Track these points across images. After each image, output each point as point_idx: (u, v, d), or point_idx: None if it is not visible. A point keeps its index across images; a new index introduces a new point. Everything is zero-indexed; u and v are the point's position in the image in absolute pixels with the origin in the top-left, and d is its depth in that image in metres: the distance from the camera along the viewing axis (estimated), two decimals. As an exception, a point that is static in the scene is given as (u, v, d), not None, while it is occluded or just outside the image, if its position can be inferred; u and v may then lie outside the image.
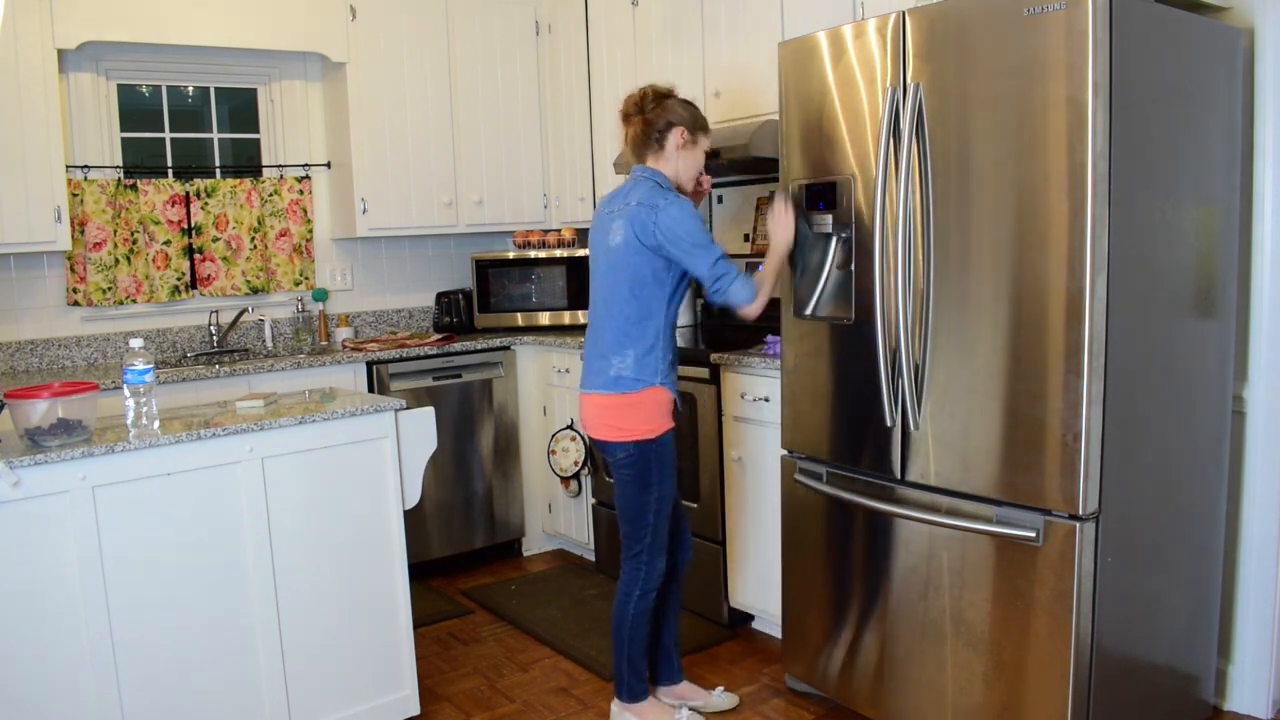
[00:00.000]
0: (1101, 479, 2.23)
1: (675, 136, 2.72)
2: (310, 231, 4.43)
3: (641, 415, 2.71)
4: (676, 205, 2.64)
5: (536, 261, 4.56)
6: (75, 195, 3.85)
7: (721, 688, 3.00)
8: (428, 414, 2.89)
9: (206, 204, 4.19)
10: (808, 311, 2.86)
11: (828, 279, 2.88)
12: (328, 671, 2.73)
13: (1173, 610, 2.56)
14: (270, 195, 4.32)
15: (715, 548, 3.51)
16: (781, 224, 2.80)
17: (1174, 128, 2.37)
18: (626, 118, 2.77)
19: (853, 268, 2.67)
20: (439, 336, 4.35)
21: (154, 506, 2.43)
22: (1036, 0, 2.17)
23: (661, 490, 2.74)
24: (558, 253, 4.55)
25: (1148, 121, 2.27)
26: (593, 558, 4.23)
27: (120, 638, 2.39)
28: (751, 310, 2.68)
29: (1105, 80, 2.12)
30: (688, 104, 2.77)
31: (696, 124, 2.76)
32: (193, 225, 4.17)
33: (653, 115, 2.73)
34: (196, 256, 4.19)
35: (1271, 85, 2.63)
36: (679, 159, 2.76)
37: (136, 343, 2.51)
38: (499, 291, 4.60)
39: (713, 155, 3.55)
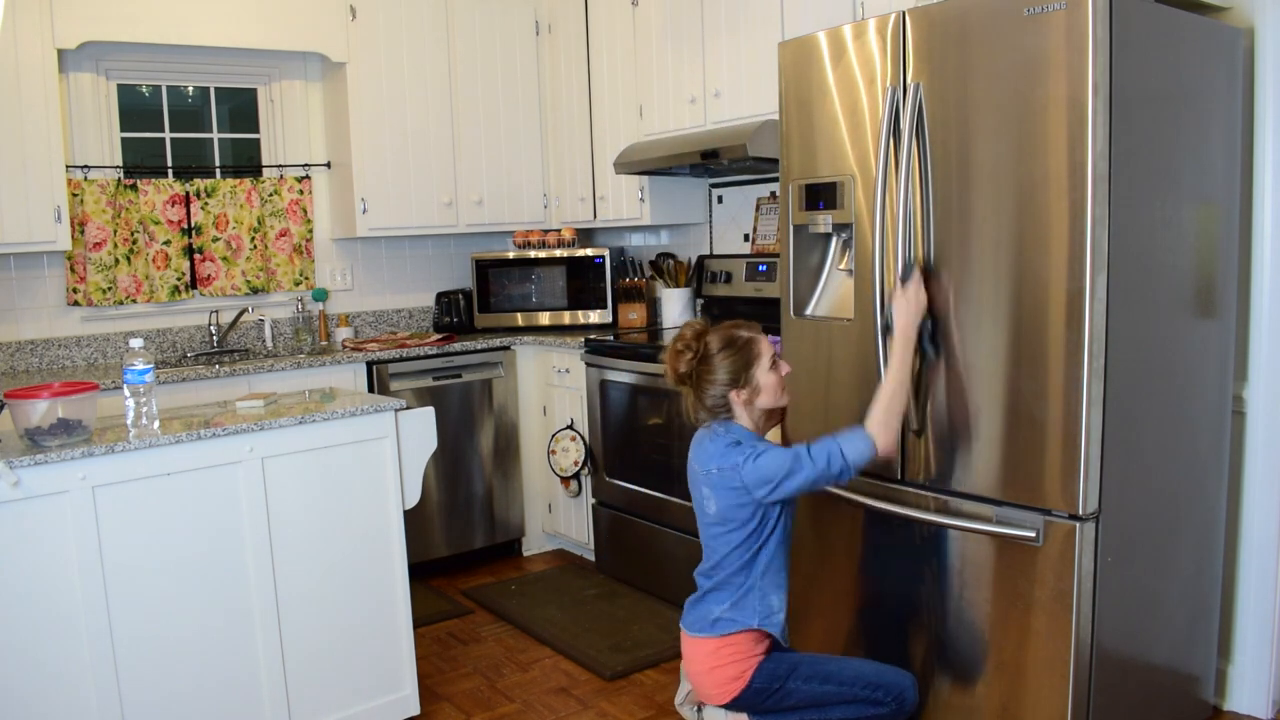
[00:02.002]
0: (1101, 479, 2.23)
1: (735, 400, 2.42)
2: (310, 231, 4.43)
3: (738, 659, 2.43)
4: (753, 459, 2.35)
5: (536, 261, 4.56)
6: (75, 195, 3.85)
7: None
8: (428, 414, 2.89)
9: (206, 204, 4.19)
10: (808, 311, 2.86)
11: (828, 279, 2.89)
12: (328, 671, 2.73)
13: (1173, 610, 2.56)
14: (270, 195, 4.32)
15: (715, 548, 3.51)
16: (913, 304, 2.44)
17: (1174, 127, 2.37)
18: (676, 384, 2.50)
19: (853, 268, 2.67)
20: (439, 336, 4.35)
21: (154, 506, 2.43)
22: (1036, 0, 2.17)
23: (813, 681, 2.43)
24: (558, 253, 4.55)
25: (1148, 121, 2.27)
26: (593, 558, 4.23)
27: (120, 637, 2.39)
28: (883, 455, 2.37)
29: (1105, 80, 2.12)
30: (726, 351, 2.40)
31: (743, 369, 2.41)
32: (193, 225, 4.17)
33: (700, 391, 2.44)
34: (196, 256, 4.19)
35: (1271, 85, 2.63)
36: (753, 409, 2.46)
37: (136, 343, 2.51)
38: (499, 291, 4.60)
39: (712, 155, 3.56)
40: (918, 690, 2.43)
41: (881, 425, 2.35)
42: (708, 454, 2.45)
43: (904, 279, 2.48)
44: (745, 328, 2.48)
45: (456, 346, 4.19)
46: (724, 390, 2.42)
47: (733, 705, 2.44)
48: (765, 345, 2.46)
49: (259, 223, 4.30)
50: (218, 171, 4.31)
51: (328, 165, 4.45)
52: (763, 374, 2.44)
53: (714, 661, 2.42)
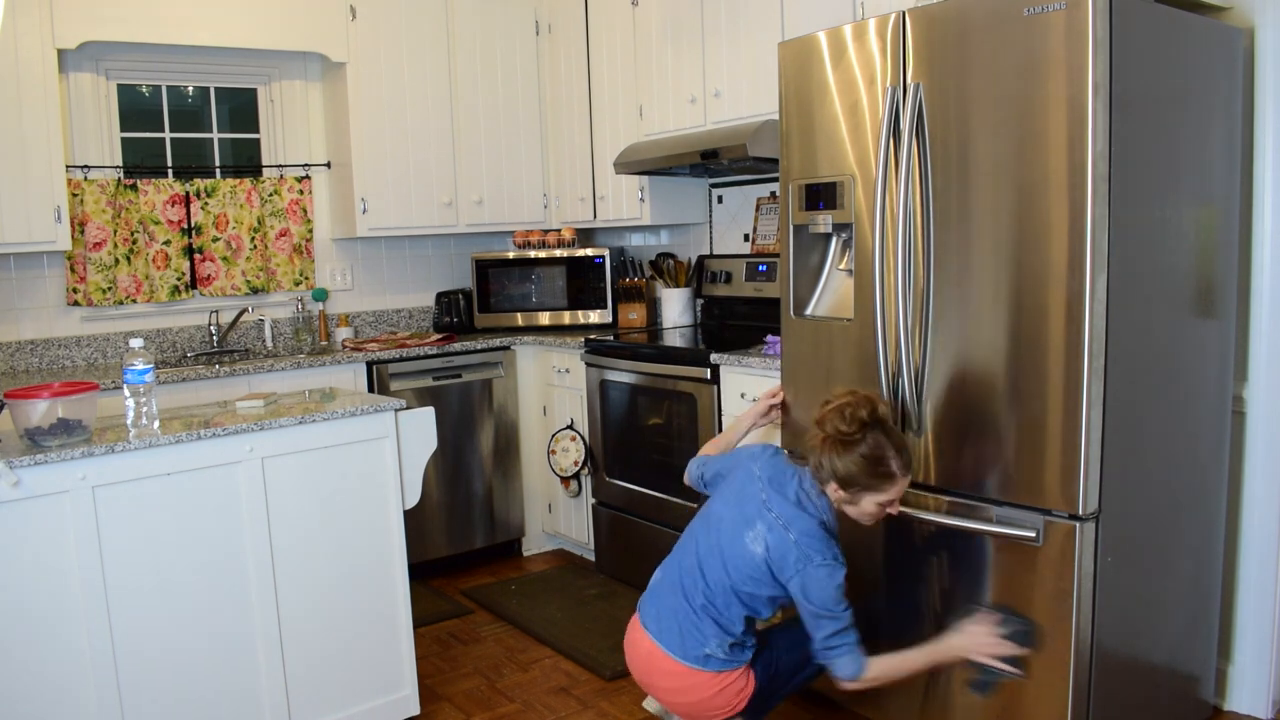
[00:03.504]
0: (1101, 479, 2.23)
1: (830, 490, 2.33)
2: (310, 231, 4.43)
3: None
4: (827, 570, 2.28)
5: (536, 261, 4.56)
6: (75, 195, 3.85)
7: None
8: (428, 414, 2.89)
9: (206, 204, 4.19)
10: (808, 311, 2.86)
11: (827, 279, 2.89)
12: (328, 671, 2.73)
13: (1173, 610, 2.56)
14: (270, 195, 4.32)
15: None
16: (982, 642, 2.34)
17: (1174, 128, 2.37)
18: (814, 424, 2.36)
19: (853, 268, 2.67)
20: (439, 336, 4.35)
21: (154, 506, 2.43)
22: (1036, 0, 2.17)
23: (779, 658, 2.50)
24: (558, 253, 4.55)
25: (1148, 121, 2.27)
26: (593, 558, 4.23)
27: (120, 637, 2.39)
28: (848, 686, 2.36)
29: (1105, 80, 2.12)
30: (871, 459, 2.25)
31: (863, 485, 2.28)
32: (193, 225, 4.17)
33: (818, 452, 2.32)
34: (196, 256, 4.19)
35: (1271, 85, 2.63)
36: (833, 501, 2.37)
37: (136, 343, 2.51)
38: (499, 291, 4.60)
39: (712, 155, 3.56)
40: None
41: (876, 676, 2.34)
42: (776, 485, 2.38)
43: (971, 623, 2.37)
44: (902, 454, 2.29)
45: (456, 346, 4.19)
46: (831, 478, 2.31)
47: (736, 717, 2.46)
48: (898, 487, 2.29)
49: (259, 223, 4.30)
50: (218, 171, 4.31)
51: (328, 165, 4.45)
52: (871, 502, 2.31)
53: (714, 690, 2.41)
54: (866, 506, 2.31)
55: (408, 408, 2.84)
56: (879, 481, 2.27)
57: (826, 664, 2.35)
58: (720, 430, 3.43)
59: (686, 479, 2.75)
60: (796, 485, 2.38)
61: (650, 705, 2.73)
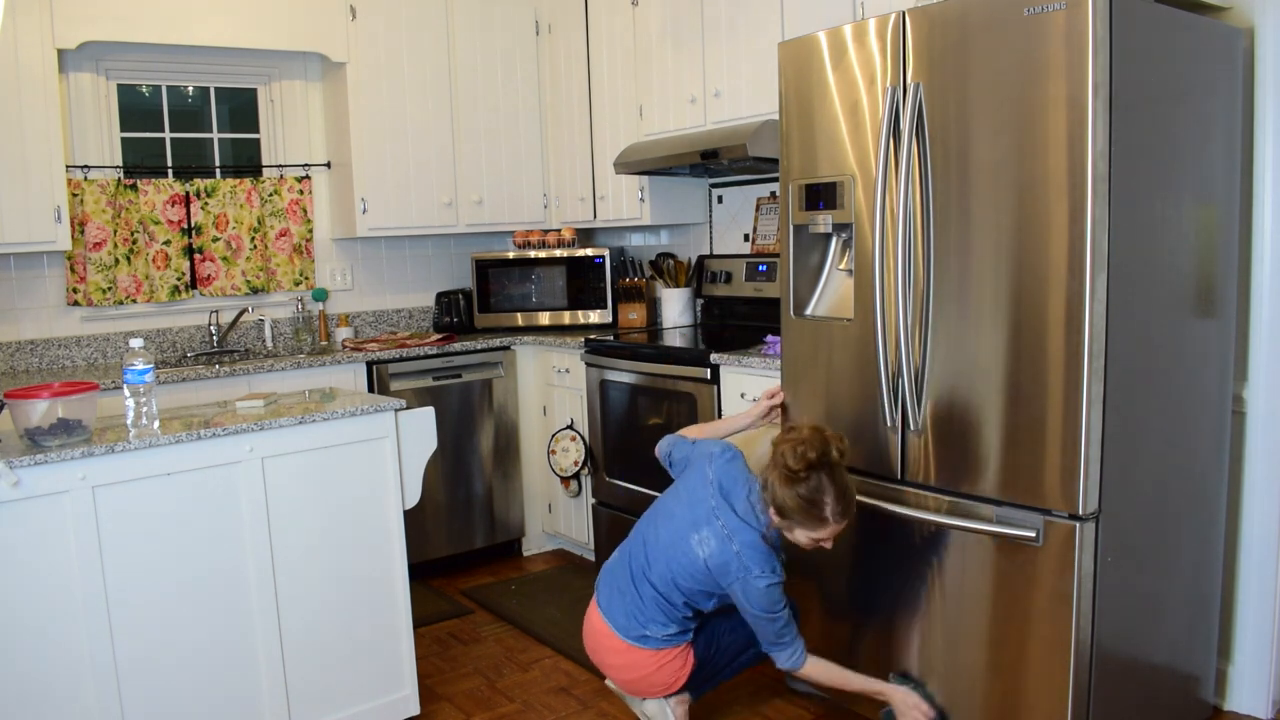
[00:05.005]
0: (1101, 479, 2.23)
1: (771, 511, 2.45)
2: (310, 231, 4.43)
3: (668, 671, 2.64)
4: (764, 580, 2.42)
5: (536, 261, 4.56)
6: (75, 195, 3.85)
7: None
8: (428, 414, 2.89)
9: (206, 204, 4.19)
10: (808, 311, 2.86)
11: (828, 279, 2.89)
12: (328, 671, 2.73)
13: (1173, 610, 2.56)
14: (270, 195, 4.32)
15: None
16: (912, 713, 2.54)
17: (1174, 127, 2.37)
18: (772, 445, 2.49)
19: (853, 268, 2.67)
20: (439, 336, 4.35)
21: (154, 506, 2.43)
22: (1036, 0, 2.17)
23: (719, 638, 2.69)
24: (558, 253, 4.55)
25: (1148, 121, 2.27)
26: (593, 558, 4.23)
27: (120, 636, 2.39)
28: (785, 668, 2.54)
29: (1105, 80, 2.12)
30: (805, 499, 2.35)
31: (798, 522, 2.39)
32: (193, 225, 4.17)
33: (767, 473, 2.43)
34: (196, 256, 4.19)
35: (1271, 85, 2.63)
36: (776, 526, 2.48)
37: (136, 343, 2.51)
38: (499, 291, 4.60)
39: (712, 155, 3.56)
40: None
41: (810, 674, 2.54)
42: (727, 491, 2.52)
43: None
44: (841, 501, 2.37)
45: (456, 346, 4.19)
46: (769, 505, 2.43)
47: (678, 692, 2.67)
48: (830, 530, 2.40)
49: (259, 223, 4.30)
50: (218, 171, 4.31)
51: (328, 165, 4.45)
52: (803, 535, 2.43)
53: (653, 667, 2.61)
54: (799, 537, 2.44)
55: (408, 408, 2.84)
56: (811, 521, 2.38)
57: (771, 655, 2.55)
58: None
59: (656, 451, 2.86)
60: (745, 496, 2.51)
61: (611, 684, 2.85)
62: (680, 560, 2.53)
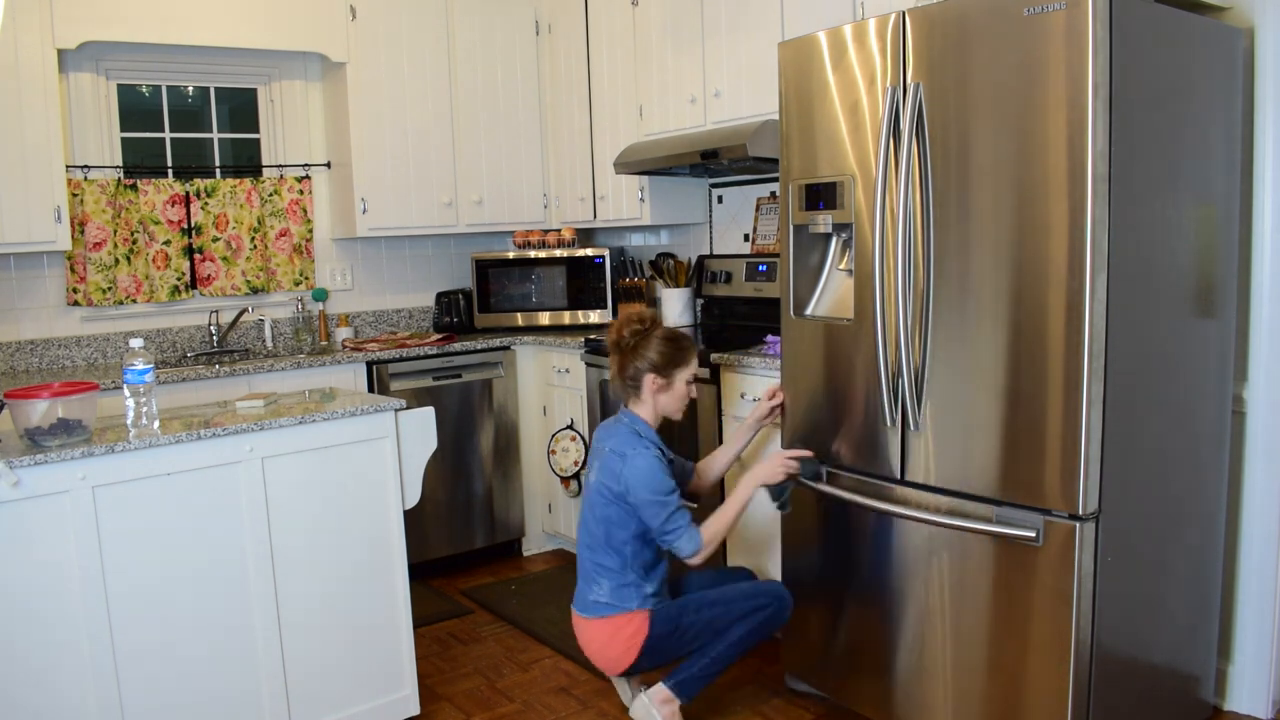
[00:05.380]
0: (1101, 479, 2.23)
1: (648, 383, 2.77)
2: (310, 231, 4.43)
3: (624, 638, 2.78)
4: (642, 458, 2.69)
5: (536, 261, 4.56)
6: (75, 195, 3.85)
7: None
8: (428, 414, 2.89)
9: (206, 204, 4.19)
10: (808, 311, 2.86)
11: (827, 279, 2.89)
12: (328, 671, 2.73)
13: (1173, 610, 2.56)
14: (270, 195, 4.32)
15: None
16: (774, 465, 2.78)
17: (1174, 127, 2.37)
18: (612, 348, 2.83)
19: (853, 268, 2.67)
20: (439, 336, 4.35)
21: (154, 506, 2.43)
22: (1036, 0, 2.17)
23: (689, 617, 2.78)
24: (558, 253, 4.55)
25: (1148, 121, 2.27)
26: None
27: (120, 637, 2.39)
28: (693, 561, 2.73)
29: (1105, 80, 2.12)
30: (667, 340, 2.76)
31: (671, 363, 2.76)
32: (193, 225, 4.17)
33: (626, 359, 2.78)
34: (196, 256, 4.19)
35: (1271, 85, 2.63)
36: (656, 401, 2.81)
37: (136, 343, 2.51)
38: (499, 291, 4.60)
39: (712, 155, 3.56)
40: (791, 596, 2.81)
41: (711, 538, 2.71)
42: (609, 433, 2.81)
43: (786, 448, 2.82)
44: (689, 338, 2.84)
45: (456, 346, 4.19)
46: (646, 369, 2.76)
47: (633, 670, 2.80)
48: (695, 361, 2.82)
49: (259, 223, 4.30)
50: (218, 171, 4.31)
51: (328, 165, 4.45)
52: (681, 379, 2.79)
53: (603, 639, 2.78)
54: (679, 388, 2.78)
55: (408, 408, 2.84)
56: (682, 354, 2.77)
57: (670, 548, 2.72)
58: (721, 432, 3.43)
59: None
60: (614, 421, 2.84)
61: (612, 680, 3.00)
62: (594, 503, 2.78)
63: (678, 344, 2.79)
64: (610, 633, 2.76)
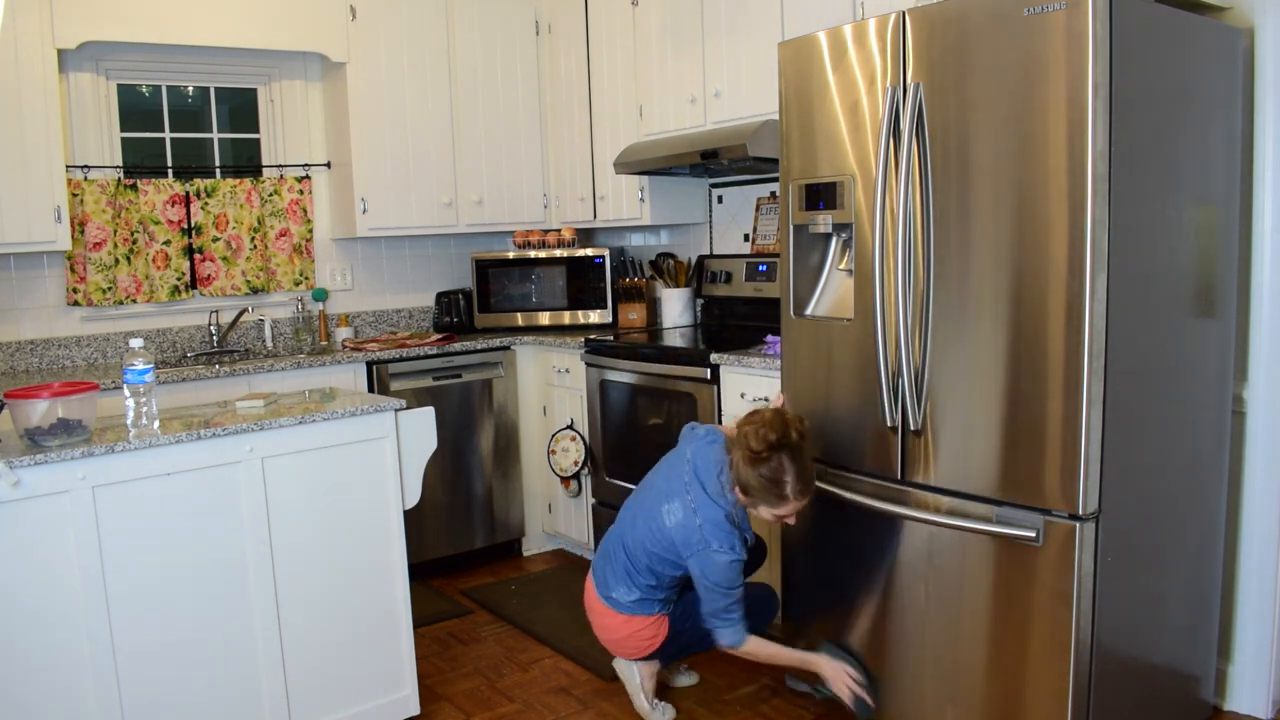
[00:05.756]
0: (1101, 479, 2.23)
1: (736, 491, 2.61)
2: (310, 231, 4.43)
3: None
4: (724, 557, 2.60)
5: (536, 261, 4.56)
6: (75, 195, 3.85)
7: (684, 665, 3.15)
8: (428, 414, 2.89)
9: (206, 204, 4.19)
10: (808, 311, 2.86)
11: (827, 279, 2.89)
12: (328, 671, 2.73)
13: (1173, 610, 2.56)
14: (270, 195, 4.32)
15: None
16: (839, 677, 2.70)
17: (1174, 127, 2.37)
18: (739, 425, 2.63)
19: (853, 268, 2.67)
20: (439, 336, 4.35)
21: (154, 506, 2.43)
22: (1036, 0, 2.17)
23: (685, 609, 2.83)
24: (558, 253, 4.55)
25: (1148, 121, 2.27)
26: (593, 558, 4.22)
27: (120, 637, 2.39)
28: (725, 645, 2.72)
29: (1105, 80, 2.12)
30: (767, 479, 2.51)
31: (757, 495, 2.56)
32: (193, 225, 4.17)
33: (734, 452, 2.59)
34: (196, 256, 4.19)
35: (1271, 85, 2.63)
36: (737, 496, 2.63)
37: (136, 343, 2.50)
38: (499, 291, 4.60)
39: (712, 155, 3.56)
40: (777, 598, 2.91)
41: (750, 652, 2.72)
42: (700, 489, 2.65)
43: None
44: (802, 479, 2.53)
45: (456, 346, 4.19)
46: (735, 483, 2.59)
47: (650, 657, 2.87)
48: (792, 506, 2.56)
49: (259, 223, 4.30)
50: (218, 171, 4.31)
51: (328, 165, 4.45)
52: (767, 512, 2.60)
53: (626, 632, 2.83)
54: (763, 514, 2.61)
55: (408, 408, 2.84)
56: (773, 499, 2.55)
57: (713, 630, 2.70)
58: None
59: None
60: (717, 475, 2.65)
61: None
62: (650, 526, 2.72)
63: (777, 488, 2.52)
64: (630, 630, 2.82)
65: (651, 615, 2.81)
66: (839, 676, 2.69)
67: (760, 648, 2.73)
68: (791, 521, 2.63)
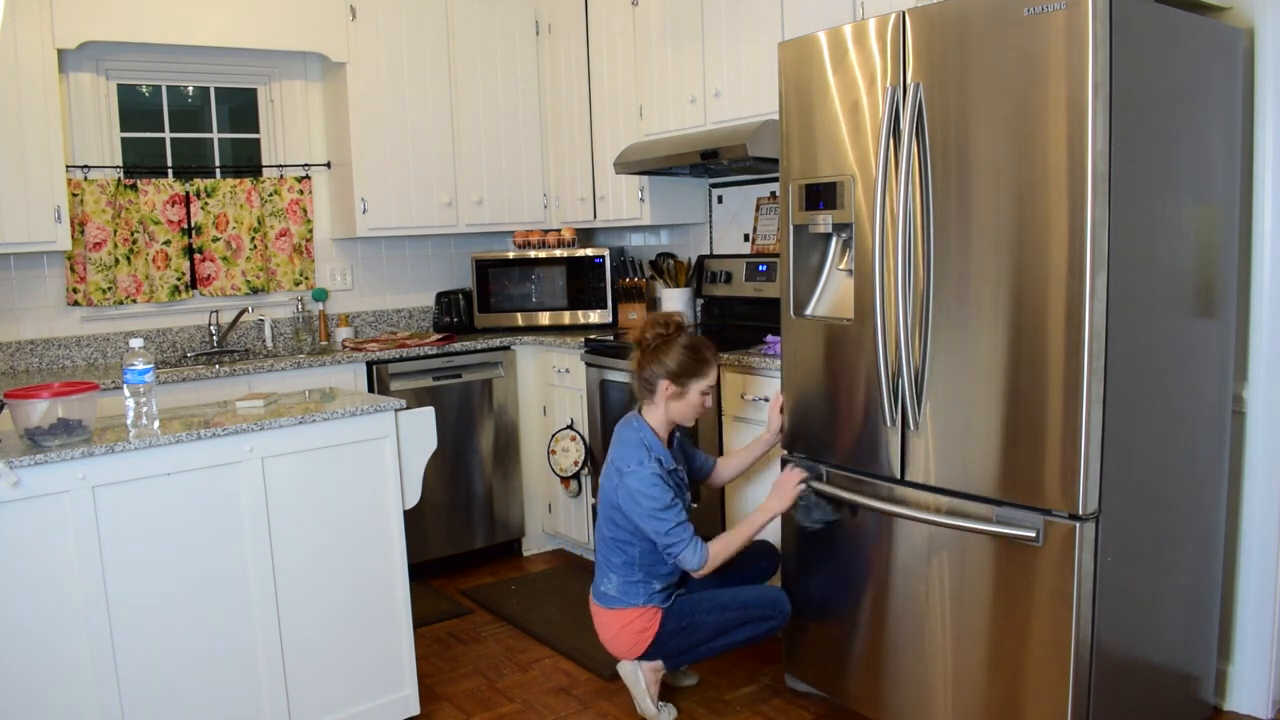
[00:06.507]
0: (1101, 479, 2.23)
1: (662, 388, 2.79)
2: (310, 231, 4.43)
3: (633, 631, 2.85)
4: (635, 476, 2.73)
5: (536, 261, 4.56)
6: (75, 195, 3.85)
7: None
8: (428, 414, 2.89)
9: (206, 204, 4.19)
10: (808, 311, 2.86)
11: (827, 279, 2.89)
12: (328, 671, 2.73)
13: (1173, 610, 2.56)
14: (270, 195, 4.32)
15: (715, 548, 3.51)
16: (786, 492, 2.80)
17: (1174, 127, 2.37)
18: (634, 346, 2.85)
19: (853, 268, 2.67)
20: (439, 336, 4.35)
21: (154, 506, 2.43)
22: (1036, 0, 2.17)
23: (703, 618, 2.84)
24: (558, 253, 4.55)
25: (1148, 121, 2.27)
26: (593, 558, 4.22)
27: (120, 637, 2.39)
28: (696, 575, 2.79)
29: (1105, 80, 2.12)
30: (687, 348, 2.77)
31: (687, 372, 2.77)
32: (193, 225, 4.17)
33: (645, 360, 2.80)
34: (196, 256, 4.19)
35: (1271, 85, 2.63)
36: (669, 407, 2.82)
37: (136, 343, 2.51)
38: (499, 291, 4.60)
39: (712, 155, 3.56)
40: (788, 599, 2.86)
41: (717, 555, 2.76)
42: (618, 440, 2.86)
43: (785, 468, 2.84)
44: (712, 349, 2.83)
45: (456, 346, 4.19)
46: (662, 374, 2.77)
47: (645, 657, 2.86)
48: (714, 374, 2.83)
49: (259, 223, 4.30)
50: (218, 171, 4.31)
51: (328, 165, 4.45)
52: (696, 390, 2.80)
53: (614, 630, 2.86)
54: (692, 397, 2.79)
55: (408, 408, 2.84)
56: (701, 366, 2.77)
57: (673, 560, 2.75)
58: (720, 432, 3.43)
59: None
60: (625, 425, 2.87)
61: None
62: (602, 506, 2.85)
63: (697, 354, 2.78)
64: (621, 625, 2.84)
65: (637, 606, 2.81)
66: (786, 494, 2.78)
67: (725, 545, 2.78)
68: (710, 401, 2.82)
